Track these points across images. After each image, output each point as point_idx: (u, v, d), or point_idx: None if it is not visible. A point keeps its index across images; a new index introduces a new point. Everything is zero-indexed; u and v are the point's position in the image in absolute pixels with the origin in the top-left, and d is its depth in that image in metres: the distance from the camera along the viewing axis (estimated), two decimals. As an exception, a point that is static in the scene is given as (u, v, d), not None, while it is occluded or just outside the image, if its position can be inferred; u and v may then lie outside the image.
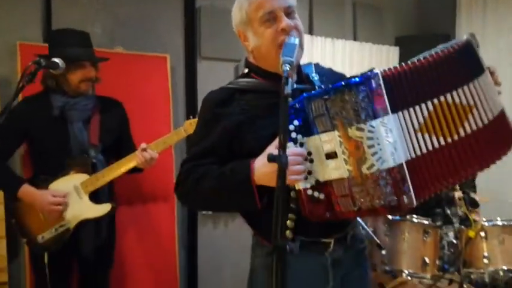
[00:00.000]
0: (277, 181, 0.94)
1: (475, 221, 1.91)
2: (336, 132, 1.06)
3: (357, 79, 1.04)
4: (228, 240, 3.05)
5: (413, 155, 1.06)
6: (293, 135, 1.09)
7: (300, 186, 1.12)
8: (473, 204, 1.92)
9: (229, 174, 1.14)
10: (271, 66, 1.20)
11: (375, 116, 1.03)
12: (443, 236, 1.93)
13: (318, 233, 1.18)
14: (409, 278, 1.93)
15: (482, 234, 1.91)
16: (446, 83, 1.10)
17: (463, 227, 1.95)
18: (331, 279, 1.22)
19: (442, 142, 1.09)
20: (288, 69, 0.98)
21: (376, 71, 1.04)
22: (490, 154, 1.14)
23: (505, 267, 1.91)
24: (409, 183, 1.04)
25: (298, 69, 1.26)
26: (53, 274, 1.85)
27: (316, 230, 1.18)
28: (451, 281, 1.96)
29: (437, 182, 1.09)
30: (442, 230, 1.93)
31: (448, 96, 1.10)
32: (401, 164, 1.03)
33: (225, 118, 1.19)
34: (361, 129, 1.04)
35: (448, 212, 1.97)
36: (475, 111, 1.11)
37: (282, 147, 0.93)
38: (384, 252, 1.94)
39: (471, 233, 1.87)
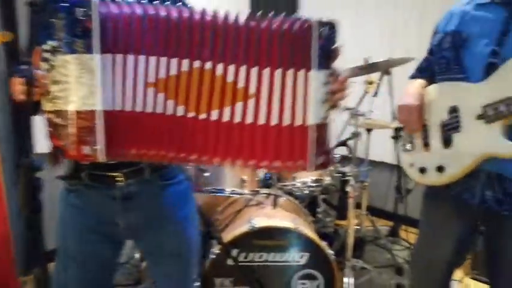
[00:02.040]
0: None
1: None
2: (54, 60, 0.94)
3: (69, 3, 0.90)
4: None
5: (129, 108, 0.94)
6: (46, 55, 0.96)
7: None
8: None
9: None
10: None
11: (70, 50, 0.91)
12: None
13: (103, 166, 1.08)
14: (231, 195, 2.10)
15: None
16: (227, 51, 0.93)
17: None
18: (120, 212, 1.19)
19: (180, 112, 0.95)
20: None
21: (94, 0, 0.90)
22: (242, 156, 0.95)
23: (313, 178, 2.19)
24: (100, 135, 0.92)
25: None
26: None
27: (102, 163, 1.08)
28: (268, 195, 2.19)
29: (148, 148, 0.96)
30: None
31: (220, 65, 0.93)
32: (93, 111, 0.92)
33: None
34: (47, 59, 0.93)
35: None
36: (251, 101, 0.93)
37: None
38: (207, 174, 2.08)
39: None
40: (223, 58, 0.93)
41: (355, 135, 2.27)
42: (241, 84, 0.93)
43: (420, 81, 1.49)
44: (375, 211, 3.41)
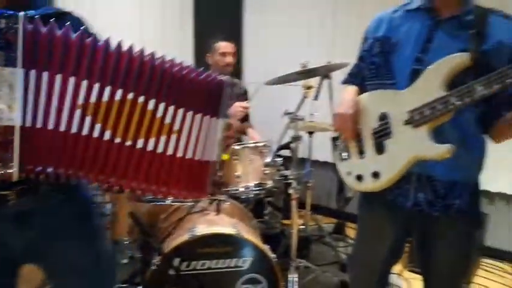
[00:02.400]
0: None
1: (227, 146, 2.09)
2: None
3: None
4: None
5: (52, 126, 0.95)
6: None
7: None
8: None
9: None
10: None
11: None
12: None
13: None
14: (172, 203, 2.06)
15: (236, 157, 2.14)
16: (161, 91, 1.03)
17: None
18: (13, 233, 1.11)
19: (107, 136, 1.01)
20: None
21: (20, 13, 0.89)
22: (152, 181, 1.07)
23: (255, 182, 2.20)
24: (16, 152, 0.92)
25: None
26: None
27: None
28: (212, 200, 2.17)
29: (66, 168, 0.99)
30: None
31: (152, 101, 1.03)
32: (9, 127, 0.91)
33: None
34: None
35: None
36: (174, 137, 1.07)
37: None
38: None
39: (225, 157, 2.06)
40: (157, 96, 1.03)
41: (296, 138, 2.30)
42: (168, 120, 1.05)
43: (355, 88, 1.53)
44: (320, 210, 3.50)
